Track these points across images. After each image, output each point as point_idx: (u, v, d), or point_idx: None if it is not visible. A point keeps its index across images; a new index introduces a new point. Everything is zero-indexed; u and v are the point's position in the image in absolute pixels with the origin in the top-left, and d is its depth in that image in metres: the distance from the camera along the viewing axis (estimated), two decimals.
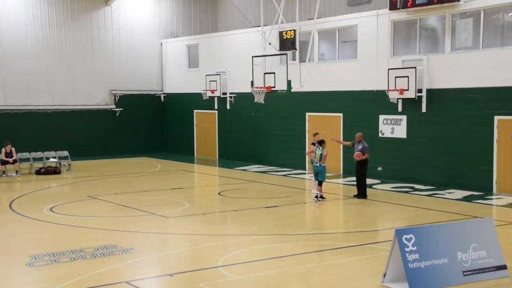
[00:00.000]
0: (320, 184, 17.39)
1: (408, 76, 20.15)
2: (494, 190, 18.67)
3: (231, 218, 15.73)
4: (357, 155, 17.65)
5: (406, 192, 18.90)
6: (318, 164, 17.28)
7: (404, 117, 21.04)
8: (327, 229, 14.80)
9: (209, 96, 28.25)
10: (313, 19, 20.77)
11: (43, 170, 23.82)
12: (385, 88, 20.92)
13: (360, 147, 17.68)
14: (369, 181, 20.80)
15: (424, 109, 20.38)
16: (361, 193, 17.78)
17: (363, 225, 14.75)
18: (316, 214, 16.79)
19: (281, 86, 20.03)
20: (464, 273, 9.86)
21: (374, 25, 21.78)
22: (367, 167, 17.93)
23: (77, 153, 27.40)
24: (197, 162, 28.61)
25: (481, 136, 18.93)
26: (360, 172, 17.80)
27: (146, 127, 31.56)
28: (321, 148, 17.33)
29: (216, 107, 28.87)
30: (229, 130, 28.38)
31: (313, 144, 18.68)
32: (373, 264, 10.96)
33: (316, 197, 17.35)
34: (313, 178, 18.06)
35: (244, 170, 25.00)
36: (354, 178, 20.92)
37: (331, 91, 23.38)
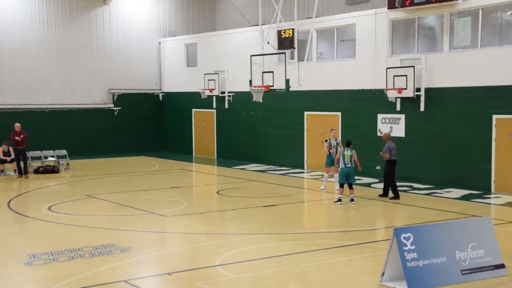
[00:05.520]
0: (351, 186, 16.93)
1: (406, 75, 20.15)
2: (493, 189, 18.68)
3: (230, 217, 15.73)
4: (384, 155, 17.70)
5: (405, 191, 18.89)
6: (350, 166, 16.76)
7: (402, 116, 21.05)
8: (326, 228, 14.80)
9: (207, 95, 28.23)
10: (311, 18, 20.78)
11: (41, 169, 23.80)
12: (384, 87, 20.92)
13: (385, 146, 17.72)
14: (367, 180, 20.88)
15: (422, 108, 20.38)
16: (385, 194, 17.69)
17: (362, 224, 14.75)
18: (315, 213, 16.79)
19: (280, 85, 20.04)
20: (463, 272, 9.88)
21: (372, 24, 21.78)
22: (394, 168, 17.65)
23: (76, 152, 27.38)
24: (195, 161, 28.61)
25: (480, 135, 18.93)
26: (386, 172, 17.73)
27: (145, 126, 31.55)
28: (349, 149, 16.87)
29: (214, 106, 28.87)
30: (228, 129, 28.37)
31: (326, 140, 18.84)
32: (372, 263, 10.97)
33: (340, 200, 16.86)
34: (336, 181, 17.19)
35: (242, 169, 24.99)
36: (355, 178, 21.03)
37: (330, 90, 23.37)
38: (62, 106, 29.16)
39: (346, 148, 16.96)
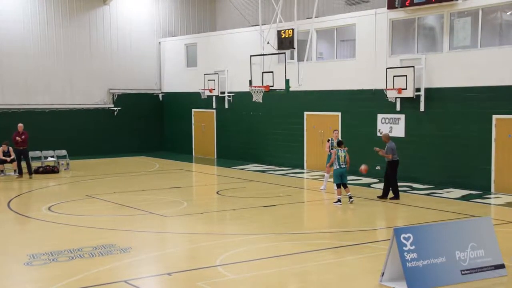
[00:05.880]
0: (346, 186, 17.02)
1: (406, 75, 20.15)
2: (492, 189, 18.68)
3: (230, 217, 15.73)
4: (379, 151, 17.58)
5: (405, 191, 18.88)
6: (344, 166, 16.89)
7: (402, 116, 21.05)
8: (326, 228, 14.81)
9: (207, 95, 28.24)
10: (311, 18, 20.77)
11: (41, 169, 23.79)
12: (384, 87, 20.92)
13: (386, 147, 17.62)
14: (367, 180, 20.89)
15: (422, 108, 20.38)
16: (385, 195, 17.49)
17: (362, 224, 14.75)
18: (315, 213, 16.78)
19: (279, 85, 20.05)
20: (462, 272, 9.87)
21: (372, 24, 21.78)
22: (396, 169, 17.50)
23: (75, 152, 27.37)
24: (195, 161, 28.61)
25: (480, 135, 18.93)
26: (388, 173, 17.51)
27: (145, 126, 31.54)
28: (342, 150, 16.94)
29: (214, 106, 28.87)
30: (228, 129, 28.37)
31: (328, 140, 18.77)
32: (372, 263, 10.97)
33: (339, 200, 16.83)
34: (337, 182, 17.09)
35: (242, 169, 24.99)
36: (354, 178, 20.97)
37: (330, 90, 23.38)
38: (62, 106, 29.16)
39: (339, 149, 17.00)
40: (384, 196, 17.61)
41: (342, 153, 16.91)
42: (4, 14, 27.60)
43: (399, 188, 17.85)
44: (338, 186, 16.95)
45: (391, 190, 17.61)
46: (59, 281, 9.94)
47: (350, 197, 16.89)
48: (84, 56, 29.66)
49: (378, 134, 21.46)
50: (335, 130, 19.61)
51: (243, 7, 28.54)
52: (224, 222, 15.33)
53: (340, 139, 18.54)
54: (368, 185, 20.25)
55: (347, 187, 17.07)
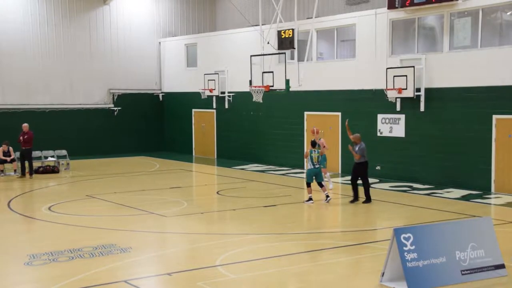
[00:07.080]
0: (321, 185, 17.11)
1: (406, 75, 20.16)
2: (493, 189, 18.68)
3: (230, 217, 15.73)
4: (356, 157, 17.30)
5: (405, 191, 18.90)
6: (318, 166, 16.99)
7: (402, 116, 21.05)
8: (326, 228, 14.81)
9: (207, 95, 28.25)
10: (311, 18, 20.78)
11: (41, 169, 23.78)
12: (384, 87, 20.92)
13: (356, 148, 17.30)
14: None
15: (422, 108, 20.39)
16: (356, 198, 17.07)
17: (361, 224, 14.76)
18: (315, 213, 16.78)
19: (280, 85, 20.06)
20: (463, 272, 9.87)
21: (372, 24, 21.78)
22: (365, 170, 17.08)
23: (76, 152, 27.38)
24: (195, 161, 28.61)
25: (480, 135, 18.94)
26: (362, 174, 17.04)
27: (145, 126, 31.55)
28: (316, 150, 17.00)
29: (214, 106, 28.87)
30: (228, 129, 28.37)
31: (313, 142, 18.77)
32: (372, 263, 10.97)
33: (311, 199, 16.92)
34: (308, 181, 17.11)
35: (242, 169, 24.99)
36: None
37: (330, 90, 23.38)
38: (62, 106, 29.17)
39: (313, 149, 17.02)
40: (355, 199, 17.00)
41: (315, 153, 16.99)
42: (4, 14, 27.59)
43: (398, 188, 17.82)
44: (308, 185, 17.02)
45: (364, 191, 17.02)
46: (59, 281, 9.94)
47: (327, 196, 16.99)
48: (84, 56, 29.67)
49: (378, 134, 21.48)
50: (315, 132, 19.25)
51: (243, 7, 28.54)
52: (224, 222, 15.33)
53: (320, 138, 18.33)
54: None
55: (323, 186, 17.16)
